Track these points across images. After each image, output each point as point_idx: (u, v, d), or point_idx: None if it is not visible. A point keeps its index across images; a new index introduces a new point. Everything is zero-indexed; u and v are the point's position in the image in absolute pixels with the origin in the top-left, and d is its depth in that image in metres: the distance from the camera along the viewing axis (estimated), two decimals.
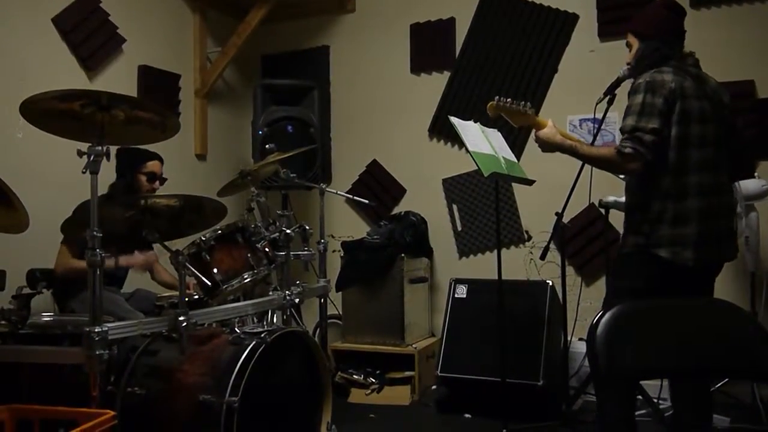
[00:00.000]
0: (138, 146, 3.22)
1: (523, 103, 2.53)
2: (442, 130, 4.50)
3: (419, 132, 4.59)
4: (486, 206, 4.40)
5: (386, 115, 4.70)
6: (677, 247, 2.33)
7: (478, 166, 2.82)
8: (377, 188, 4.70)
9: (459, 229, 4.50)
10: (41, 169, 3.41)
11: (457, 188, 4.49)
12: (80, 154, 1.98)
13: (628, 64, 2.60)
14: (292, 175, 3.53)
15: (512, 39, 4.33)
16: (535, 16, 4.28)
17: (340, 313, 4.31)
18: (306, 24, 4.93)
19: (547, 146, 2.52)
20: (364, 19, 4.78)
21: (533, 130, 2.62)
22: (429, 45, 4.56)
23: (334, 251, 4.53)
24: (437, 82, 4.54)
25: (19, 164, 3.32)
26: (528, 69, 4.30)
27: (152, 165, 3.28)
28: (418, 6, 4.58)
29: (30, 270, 3.13)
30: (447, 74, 4.52)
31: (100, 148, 1.99)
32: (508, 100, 2.50)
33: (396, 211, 4.60)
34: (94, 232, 1.98)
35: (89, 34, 3.74)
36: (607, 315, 1.61)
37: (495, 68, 4.37)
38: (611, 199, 3.42)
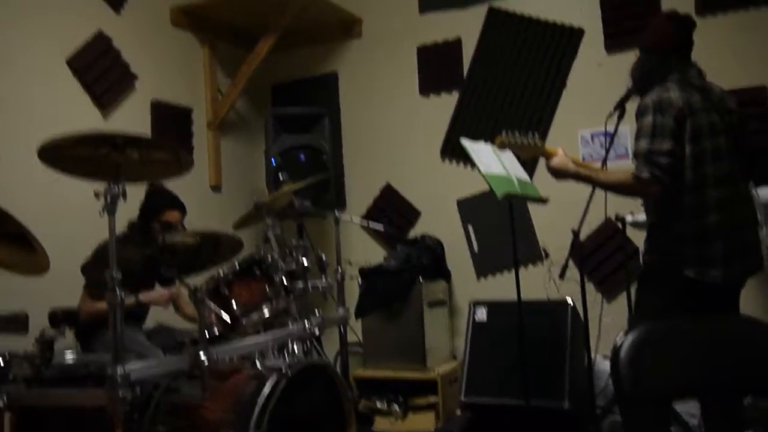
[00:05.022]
0: (166, 190, 3.24)
1: (530, 134, 2.52)
2: (454, 151, 4.50)
3: (431, 154, 4.59)
4: (501, 225, 4.35)
5: (397, 138, 4.71)
6: (704, 266, 2.30)
7: (491, 187, 2.81)
8: (392, 212, 4.70)
9: (476, 249, 4.48)
10: (60, 207, 3.44)
11: (471, 209, 4.48)
12: (97, 195, 2.00)
13: None
14: (306, 203, 3.54)
15: (519, 56, 4.34)
16: (540, 32, 4.29)
17: (361, 339, 4.29)
18: (313, 51, 4.97)
19: (560, 175, 2.50)
20: (371, 44, 4.81)
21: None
22: (436, 66, 4.58)
23: (351, 277, 4.51)
24: (447, 103, 4.55)
25: (39, 202, 3.36)
26: (536, 85, 4.30)
27: (170, 215, 3.23)
28: (423, 28, 4.61)
29: (52, 310, 3.15)
30: (456, 94, 4.53)
31: (116, 189, 2.00)
32: (516, 133, 2.49)
33: (412, 234, 4.60)
34: (113, 273, 1.99)
35: (102, 73, 3.80)
36: (630, 337, 1.59)
37: (503, 86, 4.38)
38: (629, 218, 3.38)
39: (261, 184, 4.66)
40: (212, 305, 2.36)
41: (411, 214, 4.66)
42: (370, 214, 4.74)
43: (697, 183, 2.33)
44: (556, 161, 2.50)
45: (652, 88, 2.41)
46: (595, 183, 2.48)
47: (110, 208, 1.98)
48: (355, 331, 4.31)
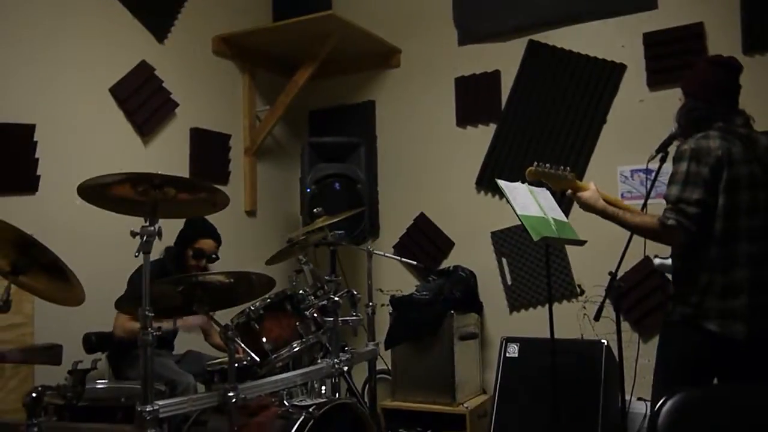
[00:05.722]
0: (203, 219, 3.28)
1: (562, 167, 2.51)
2: (489, 183, 4.46)
3: (467, 185, 4.56)
4: (536, 260, 4.31)
5: (433, 169, 4.70)
6: (727, 320, 2.23)
7: (527, 230, 2.77)
8: (425, 242, 4.68)
9: (509, 283, 4.42)
10: (97, 233, 3.49)
11: (506, 241, 4.43)
12: (133, 234, 2.03)
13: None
14: (340, 232, 3.54)
15: (558, 90, 4.30)
16: (581, 66, 4.24)
17: (389, 368, 4.27)
18: (352, 80, 5.00)
19: (588, 209, 2.48)
20: (409, 74, 4.82)
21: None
22: (474, 98, 4.56)
23: (382, 305, 4.50)
24: (484, 135, 4.52)
25: (76, 229, 3.43)
26: (576, 120, 4.25)
27: (203, 243, 3.30)
28: (462, 60, 4.60)
29: (86, 334, 3.19)
30: (493, 127, 4.50)
31: (152, 228, 2.03)
32: (547, 165, 2.49)
33: (444, 264, 4.56)
34: (146, 312, 2.01)
35: (144, 101, 3.88)
36: (669, 404, 1.55)
37: (542, 119, 4.33)
38: (658, 261, 3.30)
39: (295, 210, 4.69)
40: (242, 345, 2.36)
41: (444, 245, 4.63)
42: (403, 243, 4.72)
43: (727, 235, 2.26)
44: (586, 195, 2.51)
45: (695, 133, 2.36)
46: (621, 223, 2.45)
47: (146, 248, 2.01)
48: (385, 359, 4.29)
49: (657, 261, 3.29)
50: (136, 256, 1.98)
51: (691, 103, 2.46)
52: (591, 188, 2.52)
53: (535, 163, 2.53)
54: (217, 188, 2.18)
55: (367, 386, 3.91)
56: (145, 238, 2.01)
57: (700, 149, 2.28)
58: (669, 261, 2.89)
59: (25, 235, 2.11)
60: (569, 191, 2.59)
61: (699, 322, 2.27)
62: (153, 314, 2.01)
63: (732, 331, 2.23)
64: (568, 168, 2.56)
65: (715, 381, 2.34)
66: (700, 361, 2.28)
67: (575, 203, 4.04)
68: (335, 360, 2.72)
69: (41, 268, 2.25)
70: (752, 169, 2.29)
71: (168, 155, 4.05)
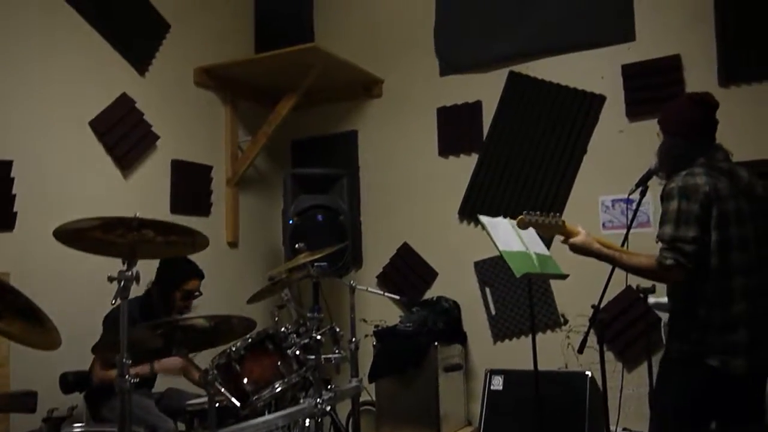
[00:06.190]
0: (185, 258, 3.24)
1: (552, 214, 2.50)
2: (472, 213, 4.46)
3: (449, 215, 4.56)
4: (520, 289, 4.31)
5: (415, 198, 4.70)
6: (727, 355, 2.24)
7: (509, 266, 2.77)
8: (408, 272, 4.66)
9: (493, 313, 4.41)
10: (75, 270, 3.43)
11: (489, 271, 4.43)
12: (110, 279, 2.00)
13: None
14: (322, 264, 3.53)
15: (539, 120, 4.33)
16: (561, 97, 4.28)
17: (374, 399, 4.22)
18: (334, 109, 5.01)
19: (582, 253, 2.47)
20: (391, 104, 4.83)
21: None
22: (456, 128, 4.58)
23: (366, 336, 4.47)
24: (466, 165, 4.54)
25: (54, 266, 3.37)
26: (557, 150, 4.28)
27: (191, 284, 3.29)
28: (444, 90, 4.63)
29: (63, 374, 3.13)
30: (475, 156, 4.52)
31: (129, 273, 2.00)
32: (537, 213, 2.48)
33: (428, 294, 4.54)
34: (124, 359, 1.97)
35: (124, 135, 3.85)
36: None
37: (524, 149, 4.36)
38: (652, 301, 3.31)
39: (278, 241, 4.65)
40: (223, 389, 2.32)
41: (428, 275, 4.62)
42: (387, 273, 4.71)
43: (722, 270, 2.28)
44: (579, 240, 2.47)
45: (678, 171, 2.38)
46: (617, 264, 2.45)
47: (123, 294, 1.97)
48: (369, 389, 4.24)
49: (651, 300, 3.29)
50: (112, 304, 1.95)
51: (670, 141, 2.48)
52: (582, 232, 2.49)
53: (525, 212, 2.52)
54: (195, 231, 2.15)
55: (351, 419, 3.86)
56: (122, 283, 1.98)
57: (687, 187, 2.30)
58: (663, 300, 2.91)
59: None
60: (561, 239, 2.57)
61: (699, 358, 2.27)
62: (130, 362, 1.97)
63: (732, 365, 2.23)
64: (558, 214, 2.55)
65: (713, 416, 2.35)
66: (699, 398, 2.28)
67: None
68: (318, 400, 2.68)
69: (16, 313, 2.20)
70: (739, 203, 2.32)
71: (149, 188, 4.01)
